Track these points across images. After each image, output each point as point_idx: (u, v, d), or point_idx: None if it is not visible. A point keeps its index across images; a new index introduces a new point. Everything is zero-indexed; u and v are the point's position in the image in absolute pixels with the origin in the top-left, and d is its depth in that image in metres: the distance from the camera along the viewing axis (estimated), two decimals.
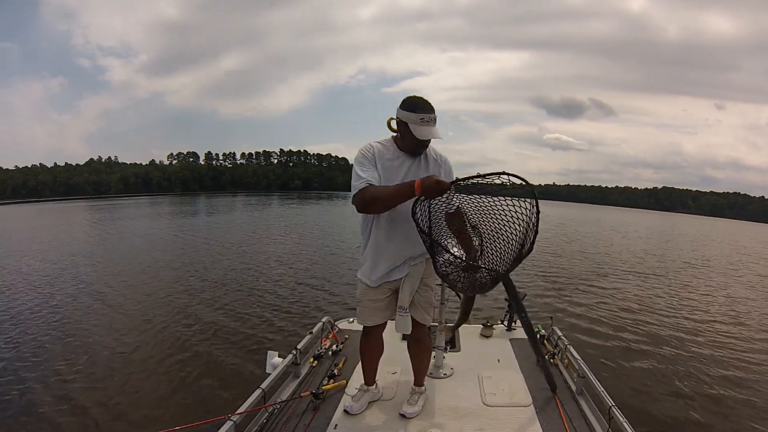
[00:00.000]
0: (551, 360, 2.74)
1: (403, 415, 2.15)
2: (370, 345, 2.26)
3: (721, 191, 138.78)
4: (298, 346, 2.62)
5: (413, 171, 1.98)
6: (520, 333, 3.25)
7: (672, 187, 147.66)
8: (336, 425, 2.08)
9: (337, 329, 3.14)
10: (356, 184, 1.84)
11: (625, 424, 1.90)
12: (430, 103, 1.89)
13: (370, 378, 2.33)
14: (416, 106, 1.88)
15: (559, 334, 2.93)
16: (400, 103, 1.93)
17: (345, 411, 2.21)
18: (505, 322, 3.34)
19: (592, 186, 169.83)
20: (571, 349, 2.65)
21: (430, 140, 1.95)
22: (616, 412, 1.97)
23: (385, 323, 2.19)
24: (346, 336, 3.10)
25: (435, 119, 1.88)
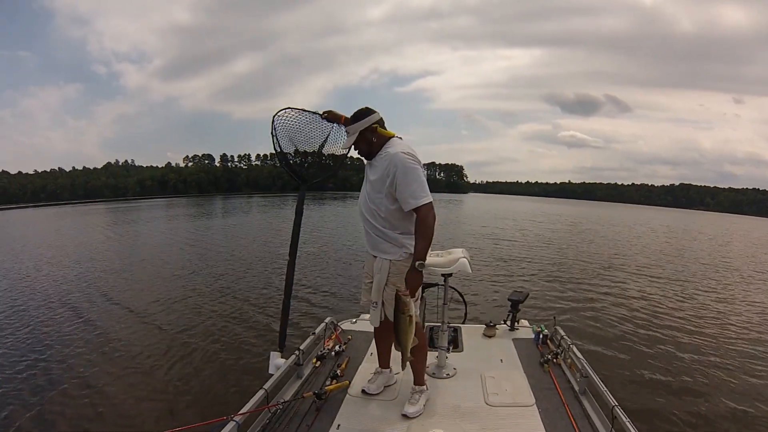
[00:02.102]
0: (554, 360, 2.72)
1: (405, 416, 2.16)
2: (377, 328, 2.37)
3: (740, 187, 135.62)
4: (301, 347, 2.64)
5: (366, 172, 2.23)
6: (522, 333, 3.24)
7: (689, 184, 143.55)
8: (339, 425, 2.10)
9: (339, 330, 3.16)
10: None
11: (628, 424, 1.88)
12: (354, 116, 2.17)
13: (381, 361, 2.47)
14: None
15: (562, 333, 2.91)
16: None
17: (363, 391, 2.37)
18: (508, 323, 3.33)
19: (608, 184, 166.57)
20: (574, 349, 2.63)
21: (360, 145, 2.18)
22: (620, 412, 1.95)
23: None
24: (349, 337, 3.12)
25: (352, 130, 2.14)
